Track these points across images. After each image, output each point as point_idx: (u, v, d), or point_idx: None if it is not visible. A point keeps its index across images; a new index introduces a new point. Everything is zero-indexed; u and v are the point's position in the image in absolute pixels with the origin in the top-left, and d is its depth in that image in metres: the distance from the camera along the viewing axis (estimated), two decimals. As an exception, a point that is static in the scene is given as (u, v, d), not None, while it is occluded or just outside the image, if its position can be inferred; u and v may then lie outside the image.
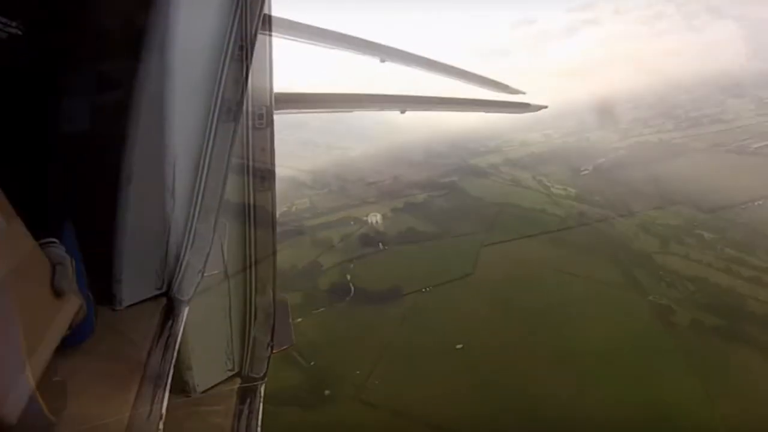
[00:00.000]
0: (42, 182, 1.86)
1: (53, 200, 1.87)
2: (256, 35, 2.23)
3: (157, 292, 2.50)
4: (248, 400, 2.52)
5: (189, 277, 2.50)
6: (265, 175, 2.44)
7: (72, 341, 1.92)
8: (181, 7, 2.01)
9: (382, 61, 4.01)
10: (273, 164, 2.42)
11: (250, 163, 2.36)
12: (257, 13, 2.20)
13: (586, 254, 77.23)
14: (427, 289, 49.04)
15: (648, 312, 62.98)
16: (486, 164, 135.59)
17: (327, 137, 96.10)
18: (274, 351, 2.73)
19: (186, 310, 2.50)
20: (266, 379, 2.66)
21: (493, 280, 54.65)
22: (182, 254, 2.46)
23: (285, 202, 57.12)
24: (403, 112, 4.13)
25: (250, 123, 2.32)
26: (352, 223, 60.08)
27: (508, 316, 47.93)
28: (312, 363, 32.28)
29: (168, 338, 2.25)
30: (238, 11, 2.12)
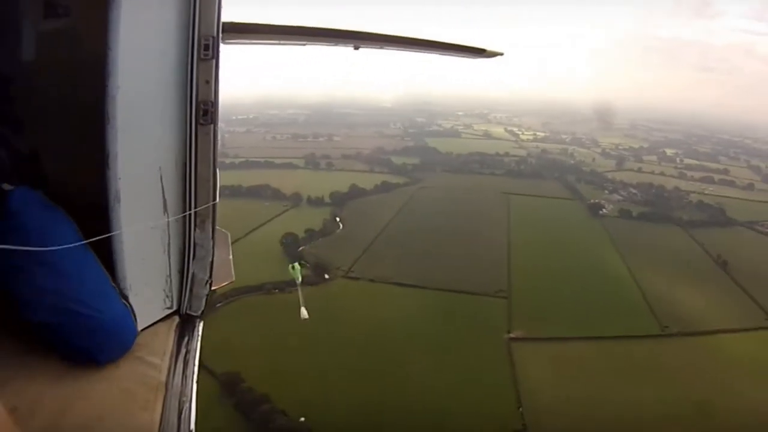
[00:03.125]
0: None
1: None
2: (219, 31, 2.22)
3: (168, 311, 2.44)
4: (186, 339, 2.36)
5: (197, 290, 2.49)
6: (207, 109, 2.21)
7: (109, 355, 2.07)
8: (138, 15, 2.00)
9: (356, 48, 3.71)
10: (217, 98, 2.23)
11: (193, 96, 2.19)
12: (216, 7, 2.19)
13: (537, 180, 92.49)
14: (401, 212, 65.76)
15: (582, 211, 78.36)
16: (460, 125, 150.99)
17: (313, 128, 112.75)
18: (213, 288, 2.55)
19: (201, 325, 2.49)
20: (205, 317, 2.49)
21: (446, 212, 70.65)
22: (186, 268, 2.44)
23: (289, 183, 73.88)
24: (356, 48, 3.70)
25: (195, 54, 2.14)
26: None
27: (451, 225, 64.22)
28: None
29: (186, 355, 2.27)
30: (197, 10, 2.13)
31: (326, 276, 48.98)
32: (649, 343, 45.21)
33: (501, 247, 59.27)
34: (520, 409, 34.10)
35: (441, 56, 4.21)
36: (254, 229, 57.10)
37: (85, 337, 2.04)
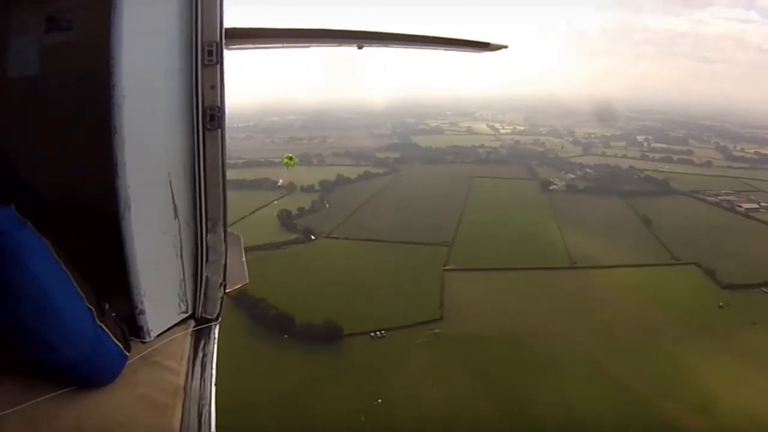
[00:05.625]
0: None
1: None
2: (222, 36, 2.26)
3: (184, 316, 2.47)
4: (203, 343, 2.38)
5: (212, 293, 2.53)
6: (214, 114, 2.26)
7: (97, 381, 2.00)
8: (140, 23, 2.03)
9: (360, 47, 3.67)
10: (223, 102, 2.26)
11: (199, 102, 2.23)
12: (218, 12, 2.25)
13: (502, 166, 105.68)
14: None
15: (535, 188, 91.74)
16: (447, 123, 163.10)
17: (308, 132, 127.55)
18: (227, 290, 2.60)
19: (217, 329, 2.52)
20: (220, 320, 2.57)
21: (415, 193, 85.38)
22: (199, 272, 2.47)
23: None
24: (360, 47, 3.66)
25: (198, 59, 2.19)
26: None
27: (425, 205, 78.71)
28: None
29: (204, 358, 2.30)
30: (199, 16, 2.19)
31: (312, 237, 64.19)
32: (556, 273, 58.47)
33: (455, 215, 73.71)
34: (441, 308, 48.60)
35: (445, 51, 4.18)
36: (256, 210, 72.37)
37: (67, 371, 1.95)
